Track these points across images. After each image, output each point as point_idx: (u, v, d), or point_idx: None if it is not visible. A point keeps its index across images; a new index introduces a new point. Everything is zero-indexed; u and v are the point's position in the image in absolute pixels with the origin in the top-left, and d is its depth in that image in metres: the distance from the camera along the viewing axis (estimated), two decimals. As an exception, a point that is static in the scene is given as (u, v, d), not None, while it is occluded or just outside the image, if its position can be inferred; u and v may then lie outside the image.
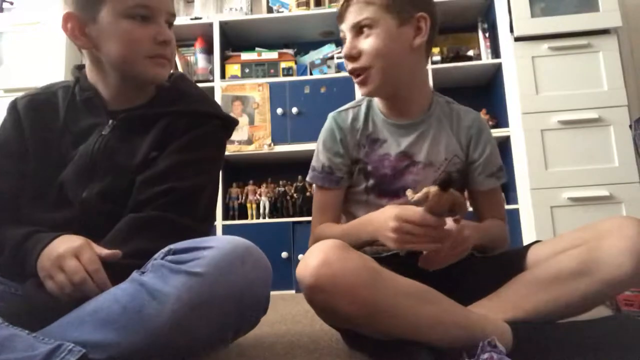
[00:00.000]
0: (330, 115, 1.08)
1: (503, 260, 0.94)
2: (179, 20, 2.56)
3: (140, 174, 0.85)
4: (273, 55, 2.54)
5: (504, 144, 2.26)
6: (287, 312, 1.51)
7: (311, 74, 2.53)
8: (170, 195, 0.83)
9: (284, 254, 2.26)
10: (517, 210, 2.14)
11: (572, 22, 2.10)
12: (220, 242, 0.71)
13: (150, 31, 0.85)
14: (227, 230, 2.33)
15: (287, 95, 2.42)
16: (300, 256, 2.21)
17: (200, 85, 2.18)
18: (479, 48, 2.47)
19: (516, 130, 2.16)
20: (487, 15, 2.47)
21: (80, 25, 0.85)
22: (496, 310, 0.81)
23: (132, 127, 0.89)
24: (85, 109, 0.91)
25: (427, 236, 0.80)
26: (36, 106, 0.92)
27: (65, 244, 0.73)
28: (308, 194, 2.38)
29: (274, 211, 2.39)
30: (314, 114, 2.36)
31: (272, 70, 2.51)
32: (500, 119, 2.39)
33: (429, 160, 1.02)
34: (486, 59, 2.42)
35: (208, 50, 2.57)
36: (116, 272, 0.72)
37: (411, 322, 0.74)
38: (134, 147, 0.88)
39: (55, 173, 0.87)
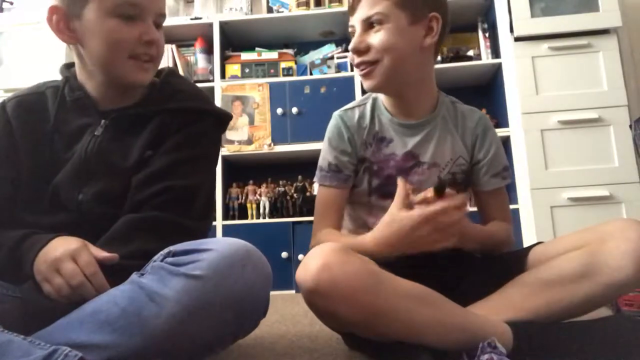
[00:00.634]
0: (336, 113, 1.07)
1: (504, 261, 0.94)
2: (179, 20, 2.56)
3: (136, 174, 0.84)
4: (273, 55, 2.54)
5: (504, 144, 2.25)
6: (287, 312, 1.51)
7: (311, 74, 2.53)
8: (167, 195, 0.81)
9: (284, 254, 2.26)
10: (517, 210, 2.14)
11: (572, 22, 2.10)
12: (220, 244, 0.71)
13: (136, 31, 0.83)
14: (227, 230, 2.33)
15: (287, 95, 2.42)
16: (300, 256, 2.22)
17: (200, 85, 2.19)
18: (479, 48, 2.47)
19: (516, 130, 2.16)
20: (487, 15, 2.47)
21: (66, 19, 0.83)
22: (496, 311, 0.81)
23: (124, 127, 0.88)
24: (76, 109, 0.89)
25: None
26: (25, 108, 0.89)
27: (62, 246, 0.72)
28: (308, 194, 2.38)
29: (274, 211, 2.39)
30: (314, 114, 2.36)
31: (272, 70, 2.51)
32: (500, 119, 2.39)
33: (434, 160, 1.01)
34: (486, 59, 2.42)
35: (208, 50, 2.57)
36: (115, 273, 0.71)
37: (411, 324, 0.74)
38: (128, 147, 0.86)
39: (49, 176, 0.85)
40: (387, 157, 1.02)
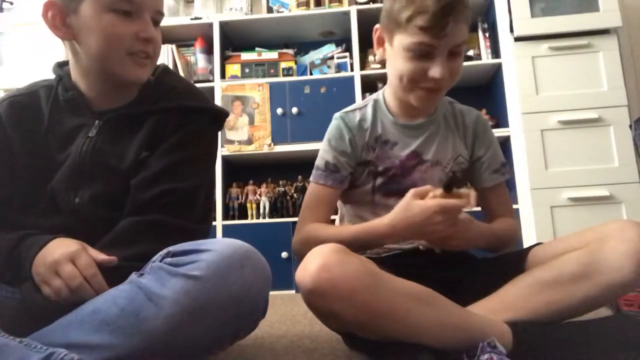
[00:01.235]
0: (337, 115, 1.07)
1: (503, 261, 0.94)
2: (179, 20, 2.56)
3: (132, 176, 0.83)
4: (273, 55, 2.54)
5: (504, 144, 2.26)
6: (287, 312, 1.51)
7: (311, 74, 2.53)
8: (167, 197, 0.81)
9: (284, 254, 2.26)
10: (517, 211, 2.14)
11: (572, 22, 2.10)
12: (219, 245, 0.70)
13: (133, 27, 0.81)
14: (227, 230, 2.33)
15: (287, 95, 2.42)
16: (300, 256, 2.22)
17: (200, 85, 2.19)
18: (479, 48, 2.47)
19: (516, 130, 2.16)
20: (487, 15, 2.47)
21: (62, 14, 0.81)
22: (496, 311, 0.81)
23: (119, 127, 0.86)
24: (70, 109, 0.87)
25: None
26: (19, 108, 0.88)
27: (61, 248, 0.71)
28: (308, 194, 2.38)
29: (274, 211, 2.40)
30: (314, 114, 2.37)
31: (272, 70, 2.51)
32: (500, 119, 2.39)
33: (436, 159, 1.03)
34: (486, 59, 2.42)
35: (208, 50, 2.57)
36: (115, 274, 0.71)
37: (411, 324, 0.74)
38: (123, 148, 0.85)
39: (45, 177, 0.83)
40: (392, 158, 1.03)
